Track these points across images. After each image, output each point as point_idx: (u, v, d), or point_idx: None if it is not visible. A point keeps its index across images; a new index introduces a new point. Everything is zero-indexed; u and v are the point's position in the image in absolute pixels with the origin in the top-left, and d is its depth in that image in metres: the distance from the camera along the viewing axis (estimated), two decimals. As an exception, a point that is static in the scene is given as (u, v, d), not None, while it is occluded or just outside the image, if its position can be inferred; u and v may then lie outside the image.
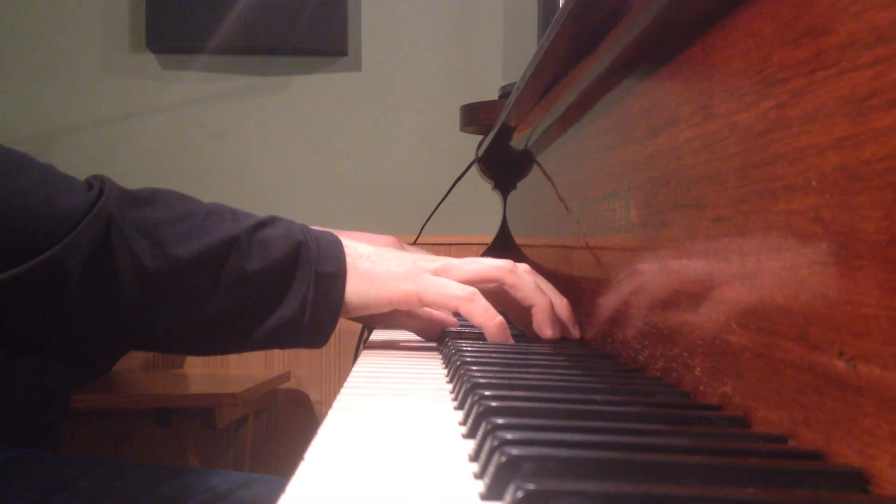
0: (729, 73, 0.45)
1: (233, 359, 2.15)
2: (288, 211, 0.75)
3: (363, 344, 0.93)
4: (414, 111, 2.28)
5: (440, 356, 0.69)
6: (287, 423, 2.20)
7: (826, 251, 0.34)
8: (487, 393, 0.43)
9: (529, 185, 1.19)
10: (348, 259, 0.70)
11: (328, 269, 0.69)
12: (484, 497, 0.30)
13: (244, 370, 2.14)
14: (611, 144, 0.70)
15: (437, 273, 0.72)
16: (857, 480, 0.30)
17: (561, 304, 0.75)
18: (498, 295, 0.74)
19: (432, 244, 2.09)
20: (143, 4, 2.21)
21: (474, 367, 0.53)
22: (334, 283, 0.69)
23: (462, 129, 1.51)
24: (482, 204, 1.94)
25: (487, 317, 0.70)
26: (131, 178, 0.68)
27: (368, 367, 0.62)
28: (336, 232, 0.74)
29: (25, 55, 2.27)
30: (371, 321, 0.80)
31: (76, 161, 2.18)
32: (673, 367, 0.52)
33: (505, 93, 1.44)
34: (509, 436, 0.33)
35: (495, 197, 1.48)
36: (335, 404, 0.46)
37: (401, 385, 0.55)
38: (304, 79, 2.28)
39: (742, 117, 0.43)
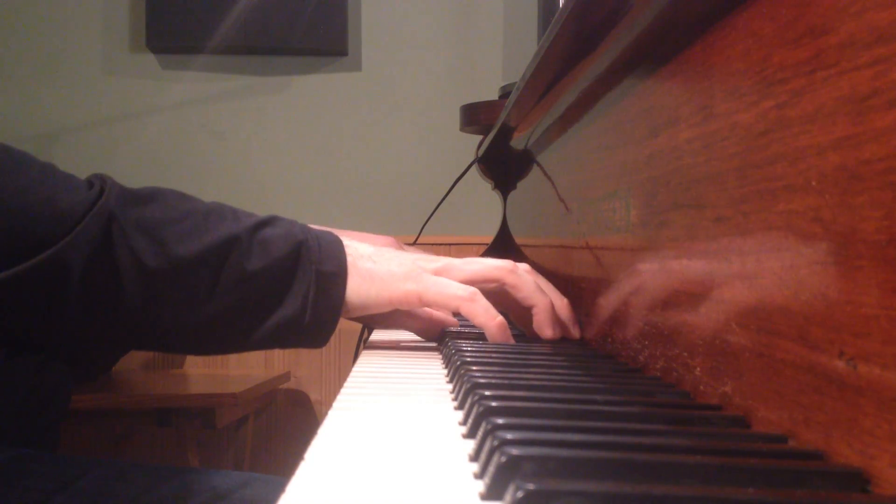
0: (729, 73, 0.45)
1: (233, 359, 2.15)
2: (288, 211, 0.75)
3: (363, 344, 0.93)
4: (414, 111, 2.28)
5: (440, 356, 0.69)
6: (287, 423, 2.20)
7: (826, 251, 0.34)
8: (487, 393, 0.43)
9: (529, 185, 1.19)
10: (349, 259, 0.70)
11: (329, 268, 0.69)
12: (484, 497, 0.30)
13: (244, 370, 2.14)
14: (611, 144, 0.70)
15: (437, 273, 0.72)
16: (857, 480, 0.30)
17: (561, 304, 0.75)
18: (498, 295, 0.74)
19: (432, 244, 2.09)
20: (143, 4, 2.21)
21: (474, 367, 0.53)
22: (335, 282, 0.69)
23: (462, 129, 1.51)
24: (482, 204, 1.94)
25: (488, 317, 0.70)
26: (131, 178, 0.68)
27: (368, 367, 0.62)
28: (336, 232, 0.74)
29: (25, 55, 2.27)
30: (371, 321, 0.80)
31: (76, 161, 2.18)
32: (673, 367, 0.52)
33: (505, 93, 1.44)
34: (509, 436, 0.33)
35: (495, 197, 1.48)
36: (335, 404, 0.46)
37: (401, 385, 0.55)
38: (304, 79, 2.28)
39: (742, 117, 0.43)
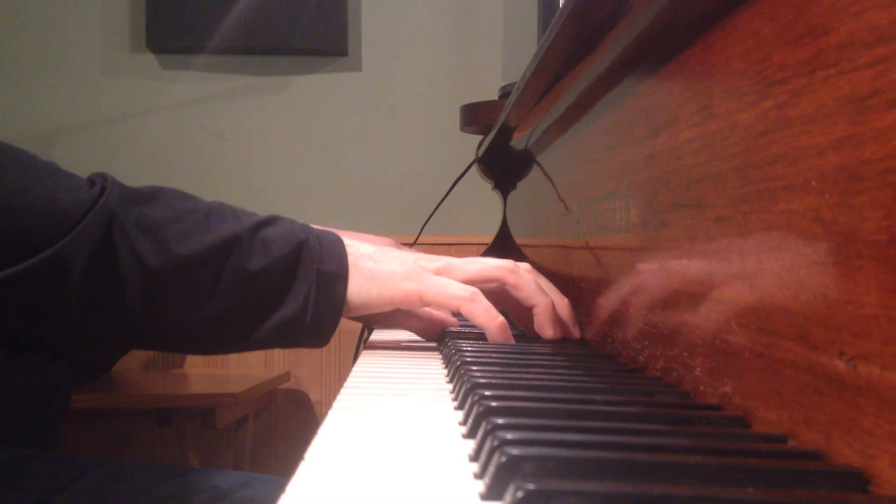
0: (729, 73, 0.45)
1: (233, 359, 2.15)
2: (288, 210, 0.75)
3: (363, 344, 0.93)
4: (414, 111, 2.28)
5: (440, 356, 0.69)
6: (287, 423, 2.20)
7: (826, 251, 0.34)
8: (487, 393, 0.43)
9: (529, 185, 1.19)
10: (350, 258, 0.70)
11: (330, 268, 0.69)
12: (484, 497, 0.30)
13: (244, 370, 2.14)
14: (611, 144, 0.70)
15: (438, 273, 0.72)
16: (857, 480, 0.30)
17: (562, 303, 0.75)
18: (499, 295, 0.74)
19: (432, 244, 2.09)
20: (143, 4, 2.21)
21: (474, 367, 0.53)
22: (336, 282, 0.69)
23: (462, 129, 1.51)
24: (482, 204, 1.94)
25: (489, 317, 0.70)
26: (132, 178, 0.68)
27: (368, 367, 0.62)
28: (335, 232, 0.74)
29: (25, 55, 2.27)
30: (371, 321, 0.80)
31: (76, 161, 2.18)
32: (673, 367, 0.52)
33: (505, 93, 1.44)
34: (509, 436, 0.33)
35: (495, 197, 1.48)
36: (335, 404, 0.46)
37: (401, 385, 0.55)
38: (304, 79, 2.28)
39: (742, 117, 0.43)
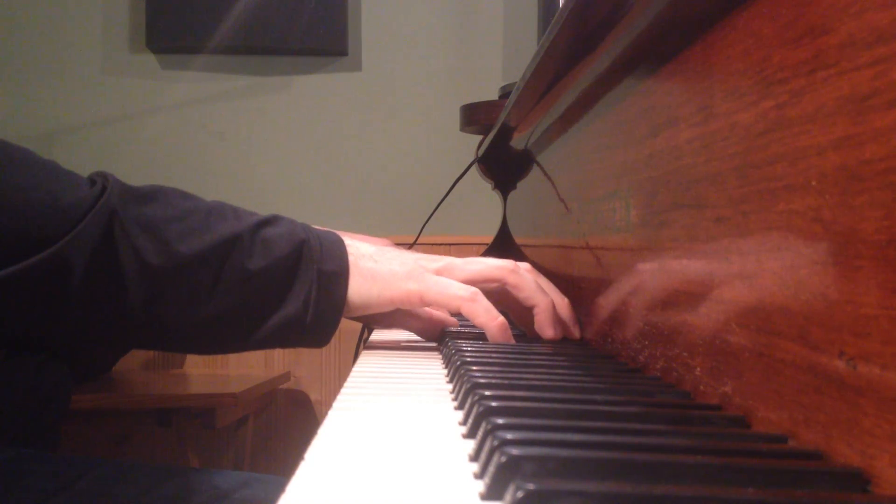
0: (729, 73, 0.45)
1: (233, 359, 2.15)
2: (288, 210, 0.75)
3: (363, 344, 0.93)
4: (414, 111, 2.28)
5: (440, 356, 0.69)
6: (287, 423, 2.20)
7: (826, 251, 0.34)
8: (487, 393, 0.43)
9: (529, 185, 1.19)
10: (350, 258, 0.70)
11: (331, 267, 0.69)
12: (484, 497, 0.30)
13: (244, 370, 2.14)
14: (611, 144, 0.70)
15: (438, 273, 0.72)
16: (857, 480, 0.30)
17: (562, 303, 0.75)
18: (499, 295, 0.74)
19: (432, 244, 2.09)
20: (143, 4, 2.21)
21: (474, 367, 0.53)
22: (337, 282, 0.69)
23: (462, 129, 1.51)
24: (482, 204, 1.94)
25: (489, 317, 0.70)
26: (131, 177, 0.68)
27: (368, 367, 0.62)
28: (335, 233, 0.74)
29: (25, 55, 2.27)
30: (372, 321, 0.80)
31: (76, 161, 2.17)
32: (673, 367, 0.52)
33: (505, 93, 1.44)
34: (509, 436, 0.33)
35: (495, 197, 1.48)
36: (335, 404, 0.46)
37: (401, 385, 0.55)
38: (304, 79, 2.28)
39: (742, 117, 0.43)
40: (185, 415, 1.78)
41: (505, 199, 1.43)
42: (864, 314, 0.31)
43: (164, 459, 2.14)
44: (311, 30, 2.20)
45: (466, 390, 0.45)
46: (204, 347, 0.72)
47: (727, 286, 0.44)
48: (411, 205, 2.16)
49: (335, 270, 0.69)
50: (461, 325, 0.82)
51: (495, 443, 0.32)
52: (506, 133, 1.17)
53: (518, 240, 1.34)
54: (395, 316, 0.77)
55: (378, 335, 0.89)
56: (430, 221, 1.56)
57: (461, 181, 1.54)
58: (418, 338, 0.81)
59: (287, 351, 2.16)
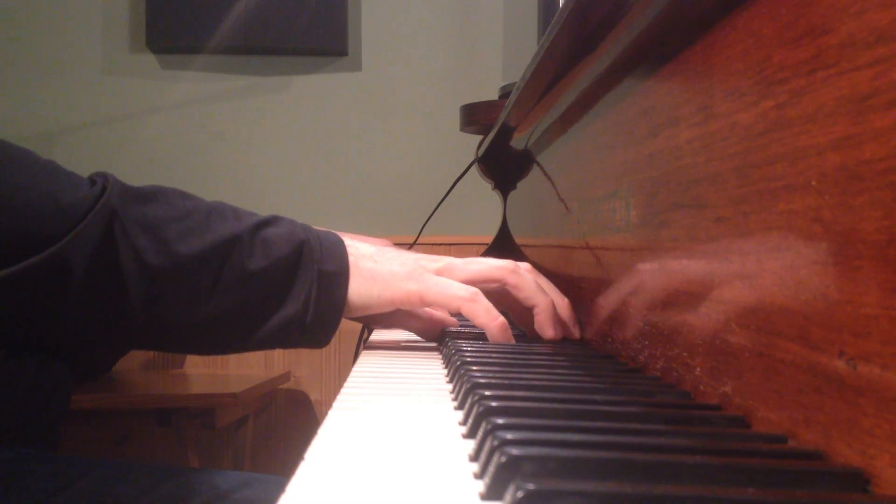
0: (729, 73, 0.45)
1: (233, 359, 2.15)
2: (288, 211, 0.75)
3: (363, 344, 0.93)
4: (414, 111, 2.29)
5: (440, 356, 0.69)
6: (287, 423, 2.20)
7: (826, 251, 0.34)
8: (487, 393, 0.43)
9: (529, 185, 1.19)
10: (350, 259, 0.70)
11: (331, 268, 0.69)
12: (484, 497, 0.30)
13: (244, 370, 2.14)
14: (611, 144, 0.70)
15: (439, 273, 0.72)
16: (857, 480, 0.30)
17: (562, 303, 0.75)
18: (499, 295, 0.74)
19: (432, 244, 2.10)
20: (143, 4, 2.21)
21: (474, 367, 0.53)
22: (337, 282, 0.69)
23: (462, 129, 1.51)
24: (482, 204, 1.94)
25: (489, 317, 0.70)
26: (131, 178, 0.68)
27: (368, 367, 0.62)
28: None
29: (25, 55, 2.27)
30: (372, 321, 0.80)
31: (76, 161, 2.17)
32: (673, 367, 0.52)
33: (505, 93, 1.44)
34: (509, 436, 0.33)
35: (495, 197, 1.48)
36: (335, 404, 0.46)
37: (401, 385, 0.55)
38: (304, 79, 2.28)
39: (742, 117, 0.43)
40: (184, 415, 1.78)
41: (505, 199, 1.44)
42: (864, 314, 0.31)
43: (163, 459, 2.14)
44: (311, 30, 2.20)
45: (466, 390, 0.45)
46: (204, 348, 0.72)
47: (727, 286, 0.44)
48: (411, 205, 2.16)
49: (335, 271, 0.69)
50: (461, 325, 0.82)
51: (495, 443, 0.32)
52: (506, 133, 1.17)
53: (518, 240, 1.34)
54: (395, 316, 0.77)
55: (378, 335, 0.89)
56: (430, 221, 1.56)
57: (461, 181, 1.54)
58: (418, 338, 0.81)
59: (287, 351, 2.16)
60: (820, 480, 0.30)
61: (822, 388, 0.34)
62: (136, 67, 2.28)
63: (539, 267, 0.81)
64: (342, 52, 2.26)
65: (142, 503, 0.73)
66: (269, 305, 0.68)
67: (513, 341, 0.70)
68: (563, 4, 0.63)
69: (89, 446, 2.10)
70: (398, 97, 2.29)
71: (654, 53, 0.57)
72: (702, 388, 0.47)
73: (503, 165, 1.39)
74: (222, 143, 2.28)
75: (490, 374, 0.50)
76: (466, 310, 0.70)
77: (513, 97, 0.95)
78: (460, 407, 0.46)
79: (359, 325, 0.95)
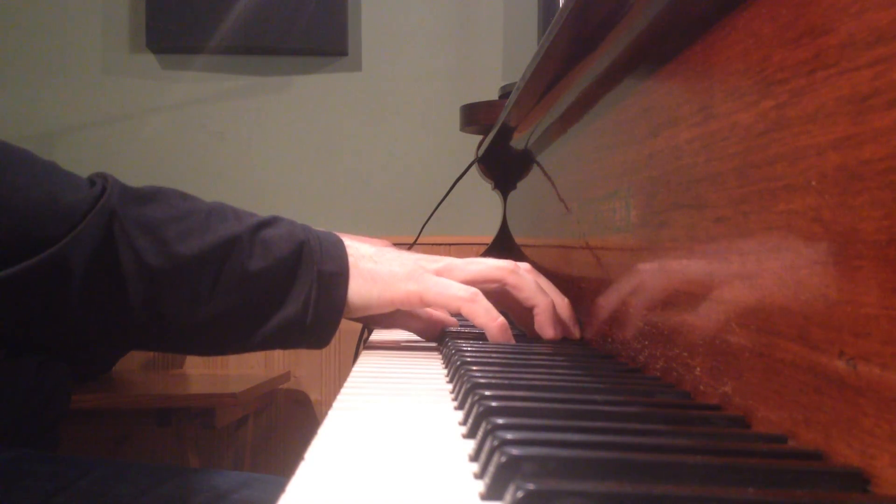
0: (729, 73, 0.45)
1: (233, 359, 2.15)
2: (288, 211, 0.75)
3: (363, 344, 0.93)
4: (414, 111, 2.29)
5: (440, 356, 0.69)
6: (287, 423, 2.20)
7: (826, 251, 0.34)
8: (487, 393, 0.43)
9: (529, 185, 1.19)
10: (350, 259, 0.70)
11: (331, 268, 0.69)
12: (484, 497, 0.30)
13: (244, 370, 2.14)
14: (611, 144, 0.70)
15: (439, 273, 0.72)
16: (857, 480, 0.30)
17: (562, 303, 0.75)
18: (499, 295, 0.74)
19: (432, 244, 2.09)
20: (143, 4, 2.21)
21: (474, 367, 0.53)
22: (337, 283, 0.69)
23: (462, 129, 1.51)
24: (482, 204, 1.94)
25: (489, 318, 0.70)
26: (131, 178, 0.68)
27: (368, 367, 0.62)
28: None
29: (25, 55, 2.28)
30: (372, 321, 0.80)
31: (76, 161, 2.18)
32: (673, 367, 0.52)
33: (505, 93, 1.44)
34: (509, 436, 0.33)
35: (495, 197, 1.48)
36: (335, 404, 0.46)
37: (401, 385, 0.55)
38: (304, 79, 2.28)
39: (742, 117, 0.43)
40: (184, 415, 1.78)
41: (505, 199, 1.44)
42: (864, 314, 0.31)
43: (163, 459, 2.14)
44: (311, 30, 2.20)
45: (466, 390, 0.45)
46: (204, 348, 0.72)
47: (727, 286, 0.44)
48: (411, 205, 2.16)
49: (335, 271, 0.69)
50: (461, 326, 0.82)
51: (495, 443, 0.32)
52: (506, 133, 1.17)
53: (518, 240, 1.34)
54: (395, 316, 0.77)
55: (378, 335, 0.89)
56: (430, 221, 1.56)
57: (461, 181, 1.54)
58: (418, 338, 0.81)
59: (287, 351, 2.16)
60: (820, 480, 0.30)
61: (822, 388, 0.34)
62: (136, 67, 2.28)
63: (539, 267, 0.81)
64: (342, 52, 2.26)
65: (142, 503, 0.73)
66: (269, 306, 0.68)
67: (513, 341, 0.70)
68: (563, 4, 0.63)
69: (89, 446, 2.10)
70: (398, 97, 2.29)
71: (654, 53, 0.57)
72: (702, 388, 0.47)
73: (503, 165, 1.39)
74: (222, 143, 2.28)
75: (490, 374, 0.50)
76: (466, 310, 0.70)
77: (513, 97, 0.95)
78: (460, 407, 0.46)
79: (359, 326, 0.95)
